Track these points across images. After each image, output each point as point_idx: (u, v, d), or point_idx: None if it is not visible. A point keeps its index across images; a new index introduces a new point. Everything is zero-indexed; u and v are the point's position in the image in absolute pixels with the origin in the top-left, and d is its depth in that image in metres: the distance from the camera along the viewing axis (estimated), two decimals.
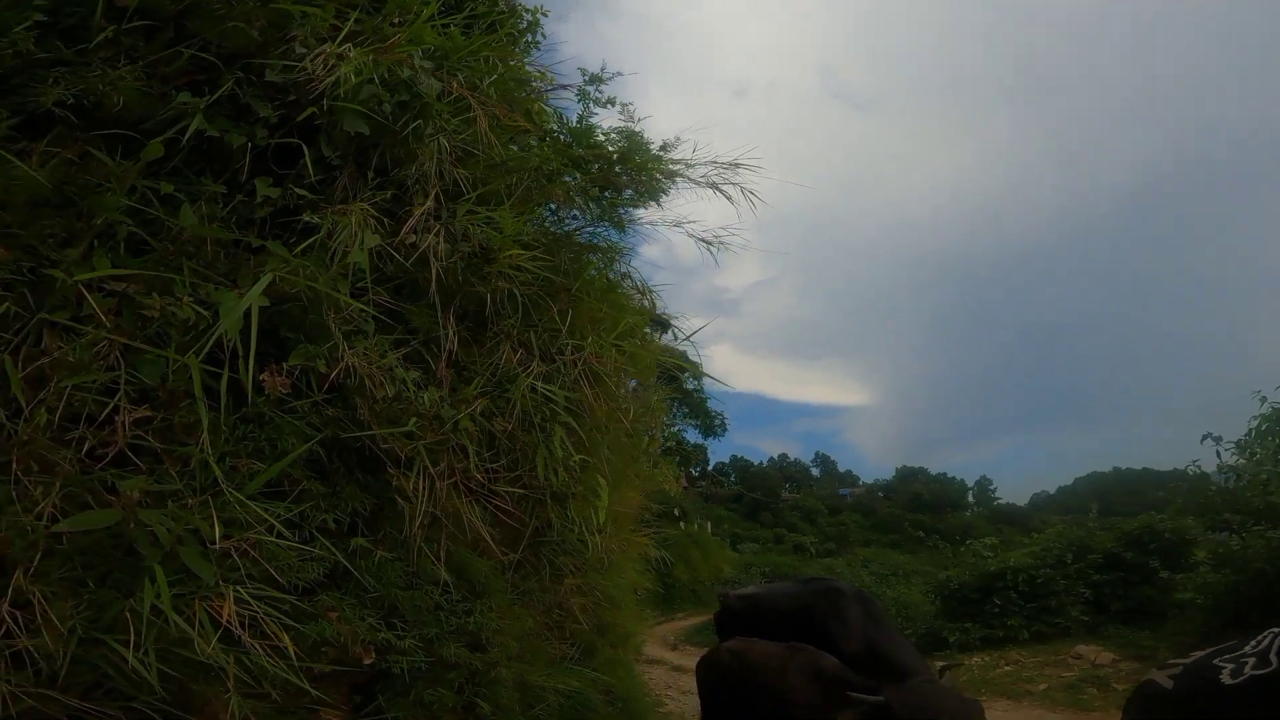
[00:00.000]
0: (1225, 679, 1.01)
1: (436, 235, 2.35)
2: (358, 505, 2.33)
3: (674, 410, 33.11)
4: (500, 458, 2.49)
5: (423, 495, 2.19)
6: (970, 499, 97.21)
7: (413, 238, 2.31)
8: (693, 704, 8.98)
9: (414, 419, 2.18)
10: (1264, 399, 7.63)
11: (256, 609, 1.82)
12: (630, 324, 3.50)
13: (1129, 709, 1.40)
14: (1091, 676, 7.71)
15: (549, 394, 2.47)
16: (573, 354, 2.68)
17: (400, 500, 2.27)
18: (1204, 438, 7.58)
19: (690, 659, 14.28)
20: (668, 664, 12.43)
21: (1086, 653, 8.41)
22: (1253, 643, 1.06)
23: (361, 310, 2.24)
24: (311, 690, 1.92)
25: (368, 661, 2.14)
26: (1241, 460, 7.36)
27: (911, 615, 11.88)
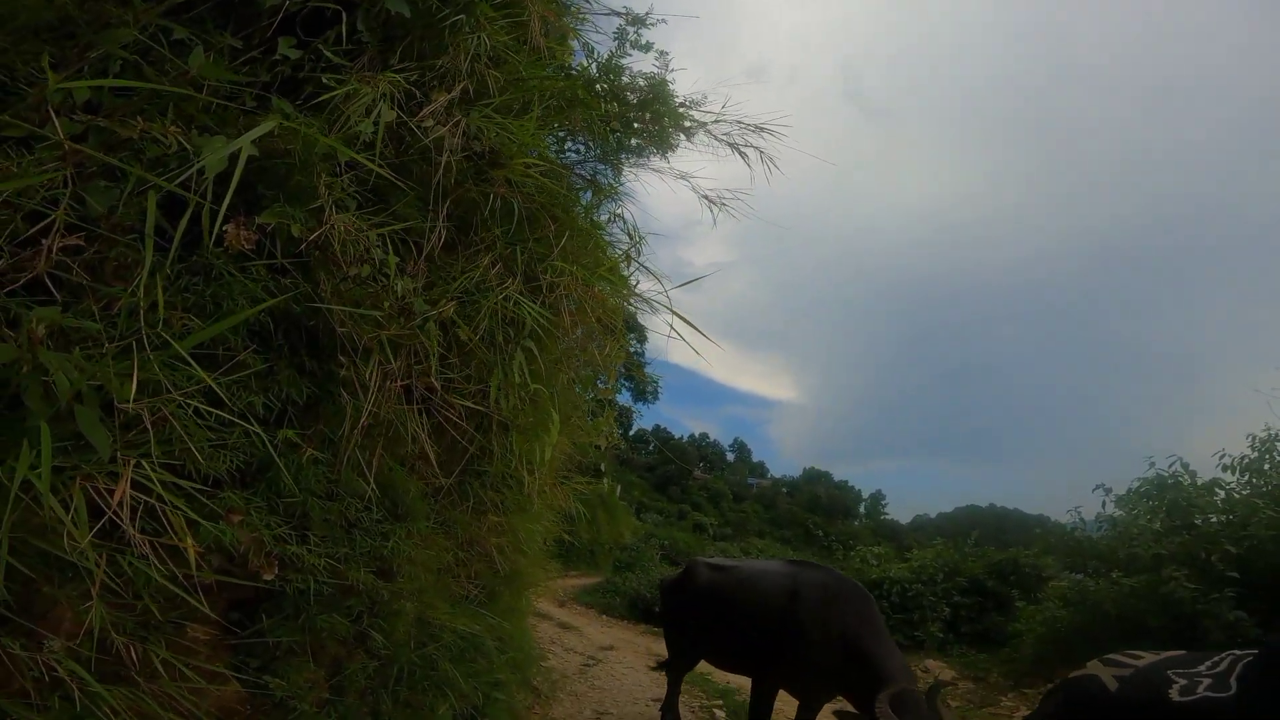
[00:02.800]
0: (1174, 695, 1.00)
1: (455, 126, 2.18)
2: (294, 392, 2.07)
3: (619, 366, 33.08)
4: (457, 370, 2.34)
5: (373, 392, 2.02)
6: (862, 509, 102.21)
7: (430, 122, 2.13)
8: (574, 661, 9.18)
9: (387, 304, 2.00)
10: (1153, 464, 8.20)
11: (155, 498, 1.54)
12: (615, 262, 3.38)
13: (1055, 697, 1.37)
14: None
15: (523, 311, 2.33)
16: (555, 278, 2.55)
17: (344, 395, 2.06)
18: (1096, 487, 8.17)
19: (577, 618, 14.55)
20: (554, 619, 12.61)
21: (934, 667, 8.89)
22: (1209, 662, 1.03)
23: (351, 183, 2.03)
24: (191, 600, 1.63)
25: (268, 577, 1.87)
26: (1120, 513, 7.96)
27: None
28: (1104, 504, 8.40)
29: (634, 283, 3.36)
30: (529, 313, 2.31)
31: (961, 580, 10.86)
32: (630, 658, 8.79)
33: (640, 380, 31.76)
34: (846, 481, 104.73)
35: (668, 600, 5.80)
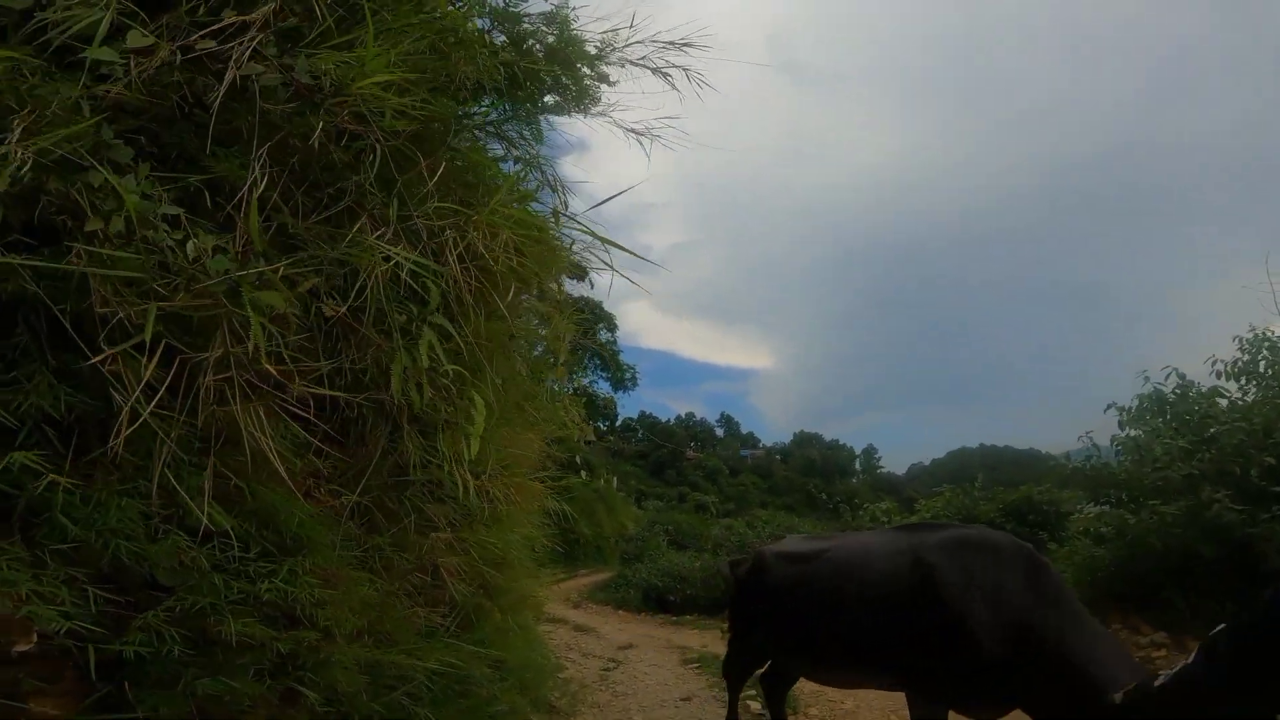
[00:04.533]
0: (1159, 682, 1.16)
1: (255, 51, 1.60)
2: (47, 403, 1.49)
3: (586, 360, 32.05)
4: (354, 357, 1.76)
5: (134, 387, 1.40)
6: (857, 466, 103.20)
7: (210, 44, 1.55)
8: (593, 667, 8.72)
9: (153, 263, 1.39)
10: (1147, 378, 7.78)
11: None
12: (526, 194, 2.81)
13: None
14: None
15: (427, 279, 1.76)
16: (448, 227, 1.95)
17: (116, 398, 1.46)
18: (1108, 407, 7.73)
19: (593, 618, 14.09)
20: (570, 623, 12.10)
21: None
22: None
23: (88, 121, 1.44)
24: None
25: (22, 648, 1.40)
26: (1137, 433, 7.52)
27: None
28: (1120, 423, 7.95)
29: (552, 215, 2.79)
30: (433, 281, 1.75)
31: (999, 516, 10.00)
32: (652, 654, 8.33)
33: (616, 369, 31.34)
34: (838, 440, 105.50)
35: (737, 599, 4.64)
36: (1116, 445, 7.94)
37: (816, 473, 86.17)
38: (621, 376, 31.70)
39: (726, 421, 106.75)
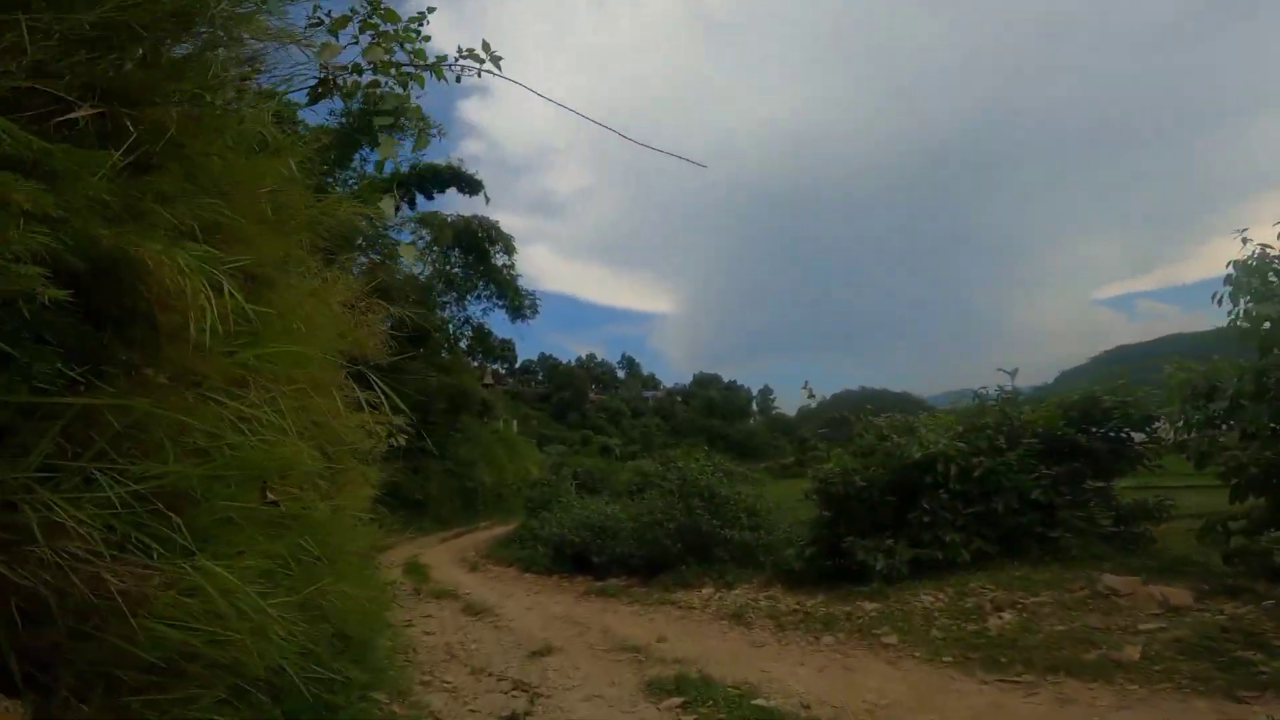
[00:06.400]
0: None
1: None
2: None
3: (479, 287, 27.46)
4: None
5: None
6: (754, 407, 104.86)
7: None
8: (497, 659, 5.55)
9: None
10: (1245, 239, 5.53)
11: None
12: None
13: None
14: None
15: None
16: None
17: None
18: (1228, 274, 5.31)
19: (493, 587, 10.65)
20: (460, 600, 8.81)
21: (1120, 584, 5.04)
22: None
23: None
24: None
25: None
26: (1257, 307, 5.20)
27: (786, 523, 9.37)
28: (1218, 298, 5.59)
29: None
30: None
31: (1035, 441, 6.70)
32: (588, 667, 5.22)
33: (514, 296, 27.47)
34: (736, 382, 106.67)
35: None
36: (1240, 320, 5.55)
37: (717, 413, 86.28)
38: (520, 304, 27.76)
39: (628, 363, 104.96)
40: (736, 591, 7.47)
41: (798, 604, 6.35)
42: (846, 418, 11.34)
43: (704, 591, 7.88)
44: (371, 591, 4.51)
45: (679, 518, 9.00)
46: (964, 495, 6.44)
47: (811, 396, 15.12)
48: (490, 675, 5.10)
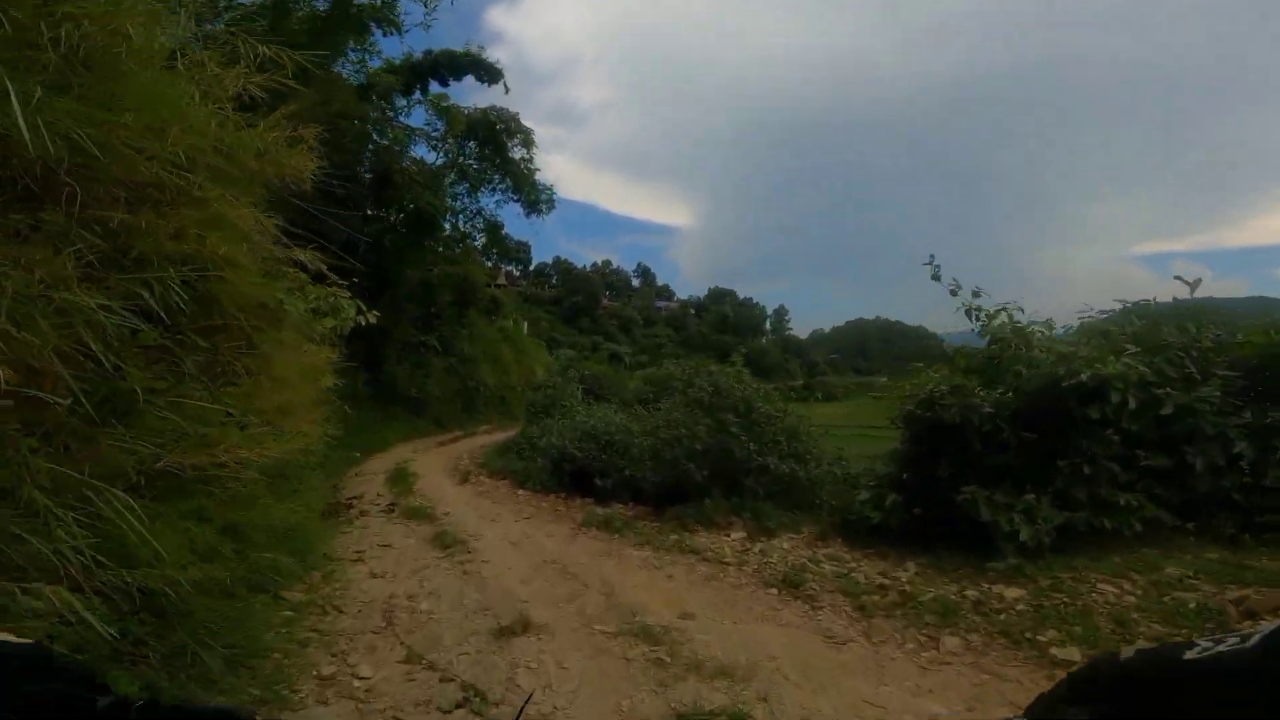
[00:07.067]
0: (1188, 655, 0.39)
1: None
2: None
3: (495, 180, 24.94)
4: None
5: None
6: (768, 326, 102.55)
7: None
8: (450, 635, 3.68)
9: None
10: None
11: None
12: None
13: (1067, 679, 0.50)
14: None
15: None
16: None
17: None
18: None
19: (478, 507, 7.83)
20: (439, 519, 7.12)
21: None
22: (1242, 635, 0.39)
23: None
24: None
25: None
26: None
27: (846, 460, 7.47)
28: None
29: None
30: None
31: (1233, 375, 4.63)
32: (580, 661, 3.40)
33: (530, 190, 24.94)
34: (751, 299, 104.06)
35: None
36: None
37: (729, 329, 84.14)
38: (535, 199, 25.17)
39: (644, 272, 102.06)
40: (781, 543, 5.64)
41: (883, 576, 4.47)
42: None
43: (734, 536, 6.07)
44: None
45: (704, 437, 7.10)
46: (1139, 439, 4.41)
47: None
48: (431, 668, 3.30)
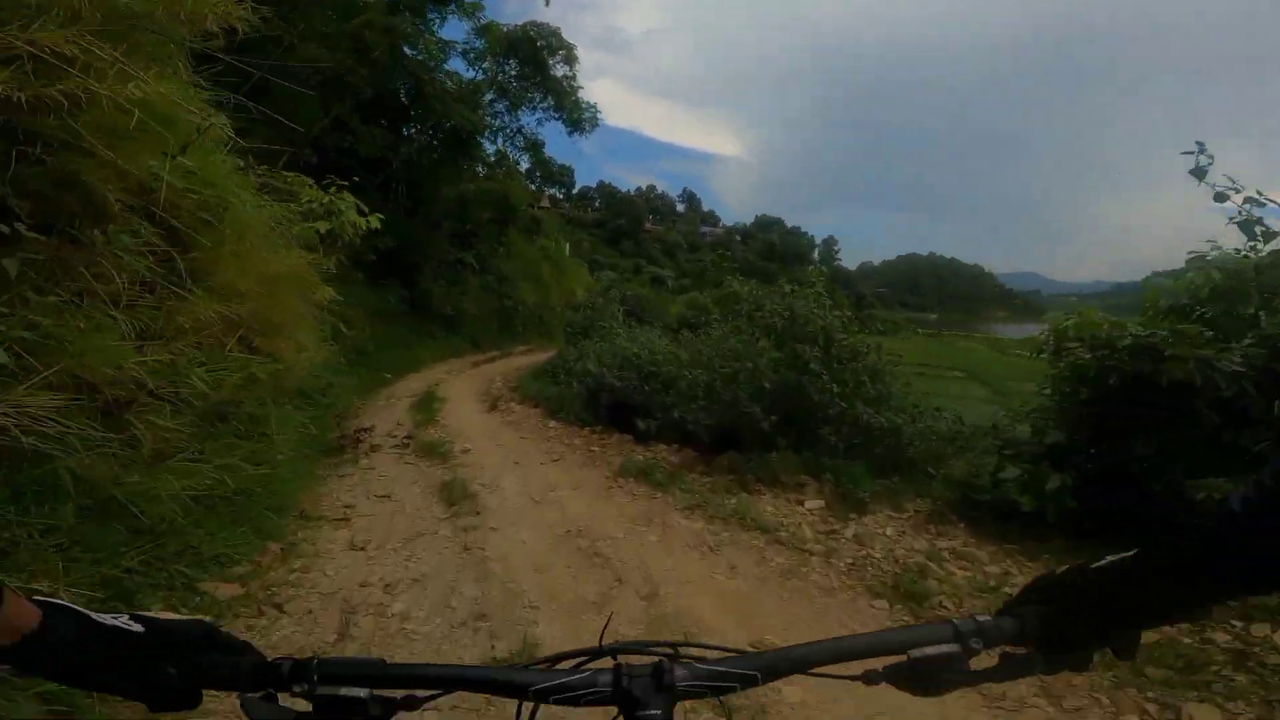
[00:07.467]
0: (1094, 565, 0.61)
1: None
2: None
3: (536, 99, 23.17)
4: None
5: None
6: (816, 255, 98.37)
7: None
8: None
9: None
10: None
11: None
12: None
13: (1020, 591, 0.70)
14: None
15: None
16: None
17: None
18: None
19: (507, 436, 6.54)
20: (455, 459, 5.98)
21: None
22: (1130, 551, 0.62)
23: None
24: None
25: None
26: None
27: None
28: None
29: None
30: None
31: None
32: None
33: (573, 108, 22.91)
34: (800, 228, 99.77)
35: None
36: None
37: (776, 257, 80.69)
38: (578, 116, 23.23)
39: (689, 197, 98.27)
40: (879, 524, 4.26)
41: None
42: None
43: (809, 505, 4.73)
44: None
45: (769, 375, 5.66)
46: None
47: None
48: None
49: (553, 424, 8.39)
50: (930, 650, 0.58)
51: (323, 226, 6.29)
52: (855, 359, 5.76)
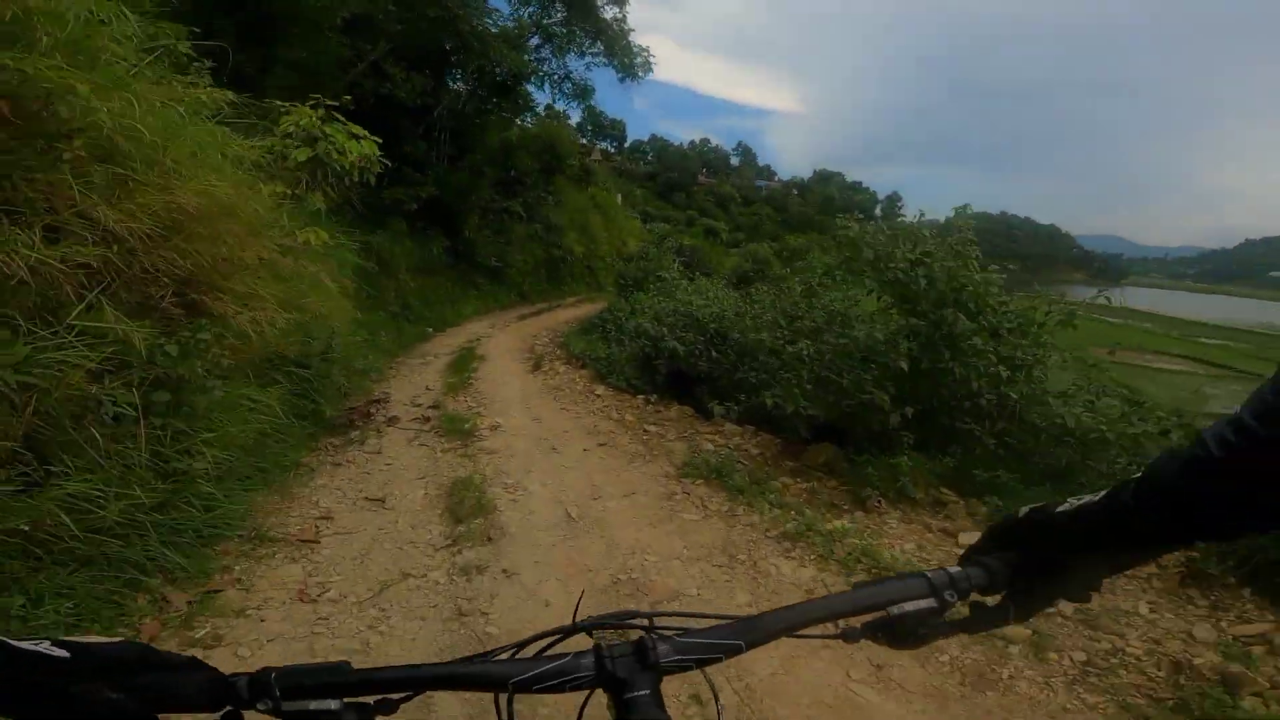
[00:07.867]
0: (1060, 509, 0.60)
1: None
2: None
3: (585, 44, 21.23)
4: None
5: None
6: (878, 211, 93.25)
7: None
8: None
9: None
10: None
11: None
12: None
13: (985, 532, 0.68)
14: None
15: None
16: None
17: None
18: None
19: (548, 406, 4.52)
20: (480, 442, 4.68)
21: None
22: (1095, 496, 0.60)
23: None
24: None
25: None
26: None
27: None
28: None
29: None
30: None
31: None
32: None
33: (625, 54, 20.83)
34: (860, 182, 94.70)
35: None
36: None
37: (834, 211, 76.61)
38: (630, 61, 21.08)
39: (744, 151, 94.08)
40: (1108, 585, 2.79)
41: None
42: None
43: (963, 540, 3.25)
44: None
45: (904, 352, 4.08)
46: None
47: None
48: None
49: (600, 390, 7.03)
50: (909, 606, 0.58)
51: (303, 154, 4.94)
52: (1022, 335, 4.12)
